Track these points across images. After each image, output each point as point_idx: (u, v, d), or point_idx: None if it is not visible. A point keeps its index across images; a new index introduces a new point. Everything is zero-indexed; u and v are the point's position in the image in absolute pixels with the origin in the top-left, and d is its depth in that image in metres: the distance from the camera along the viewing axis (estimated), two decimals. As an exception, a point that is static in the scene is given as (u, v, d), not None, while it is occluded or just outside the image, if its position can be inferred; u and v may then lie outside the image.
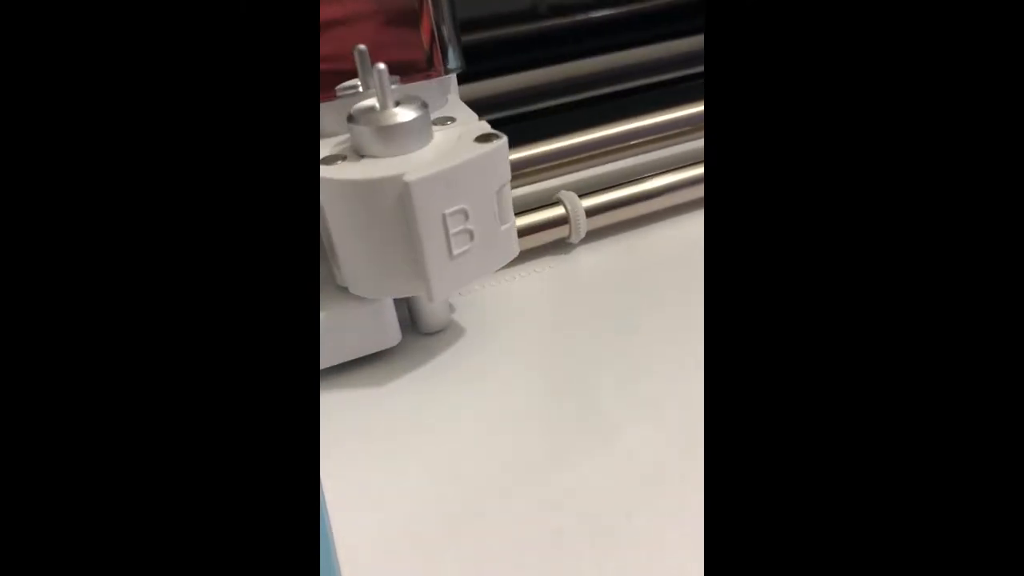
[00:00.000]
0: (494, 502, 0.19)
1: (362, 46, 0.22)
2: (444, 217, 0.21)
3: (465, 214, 0.21)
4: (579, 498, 0.19)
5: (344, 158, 0.22)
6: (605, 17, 0.39)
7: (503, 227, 0.23)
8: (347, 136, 0.23)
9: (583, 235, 0.31)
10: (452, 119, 0.23)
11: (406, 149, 0.21)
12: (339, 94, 0.23)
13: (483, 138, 0.22)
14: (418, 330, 0.26)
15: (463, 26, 0.28)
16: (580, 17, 0.38)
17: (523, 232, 0.29)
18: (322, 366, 0.24)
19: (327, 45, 0.22)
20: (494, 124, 0.23)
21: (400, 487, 0.20)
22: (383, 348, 0.25)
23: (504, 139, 0.22)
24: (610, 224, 0.32)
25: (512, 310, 0.27)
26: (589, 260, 0.30)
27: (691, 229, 0.32)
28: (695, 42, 0.41)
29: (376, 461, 0.21)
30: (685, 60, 0.42)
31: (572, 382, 0.24)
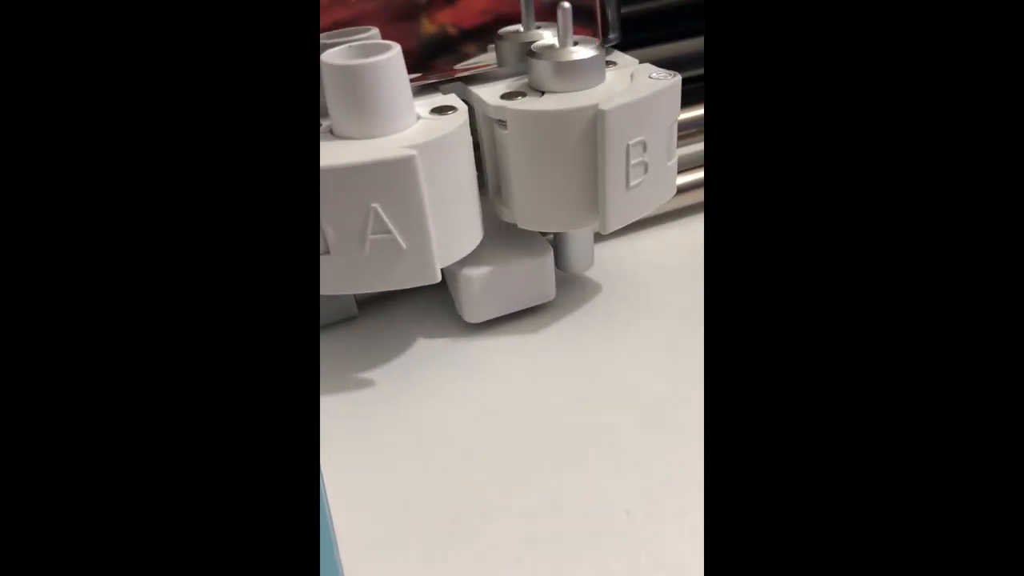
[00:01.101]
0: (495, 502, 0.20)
1: None
2: (628, 148, 0.22)
3: (644, 146, 0.22)
4: (582, 497, 0.19)
5: (523, 94, 0.22)
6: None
7: (670, 163, 0.24)
8: (514, 79, 0.24)
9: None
10: (614, 63, 0.24)
11: (585, 85, 0.22)
12: (503, 37, 0.24)
13: (657, 75, 0.23)
14: (564, 269, 0.27)
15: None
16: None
17: None
18: (487, 317, 0.25)
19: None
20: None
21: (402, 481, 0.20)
22: (541, 302, 0.26)
23: (679, 76, 0.23)
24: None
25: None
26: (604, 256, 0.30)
27: (695, 231, 0.31)
28: (696, 44, 0.41)
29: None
30: (686, 62, 0.41)
31: (564, 382, 0.24)
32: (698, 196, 0.32)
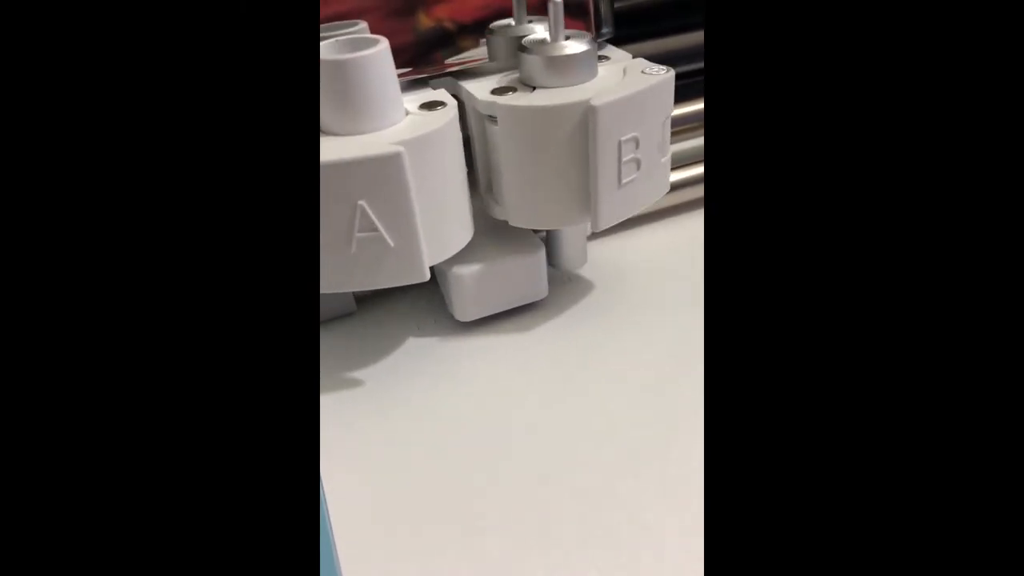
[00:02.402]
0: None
1: None
2: (620, 144, 0.22)
3: (636, 142, 0.22)
4: (580, 495, 0.19)
5: (514, 89, 0.22)
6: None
7: (663, 159, 0.24)
8: (505, 75, 0.23)
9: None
10: (607, 57, 0.24)
11: (577, 80, 0.22)
12: (494, 31, 0.23)
13: (647, 70, 0.22)
14: (557, 267, 0.27)
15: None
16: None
17: None
18: (478, 316, 0.25)
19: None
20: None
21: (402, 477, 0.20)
22: (535, 300, 0.26)
23: (672, 72, 0.23)
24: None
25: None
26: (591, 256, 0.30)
27: (695, 228, 0.31)
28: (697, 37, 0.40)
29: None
30: (683, 56, 0.41)
31: (562, 383, 0.24)
32: (692, 193, 0.32)
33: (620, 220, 0.24)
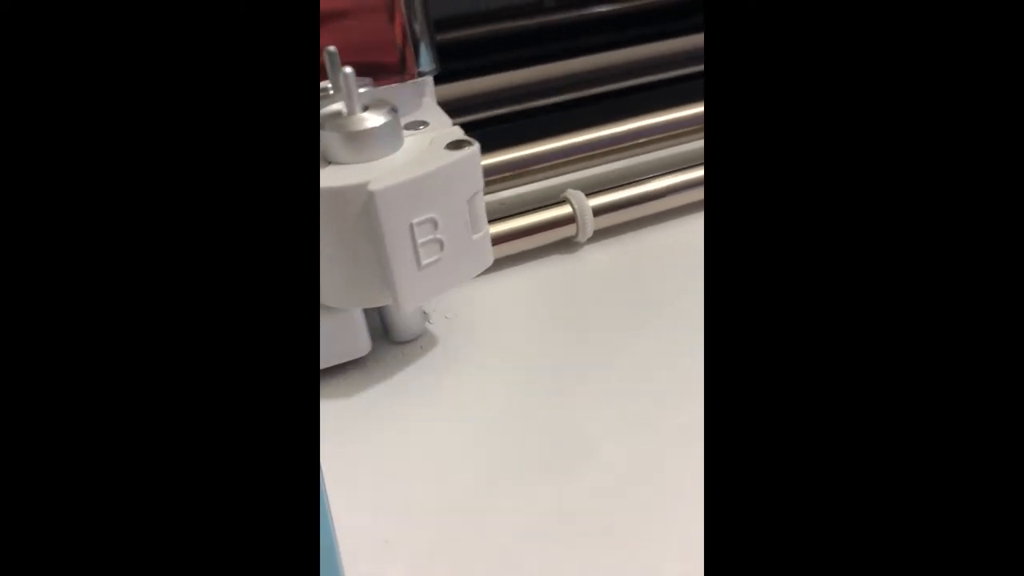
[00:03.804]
0: (482, 506, 0.19)
1: (332, 47, 0.21)
2: (412, 227, 0.20)
3: (434, 223, 0.21)
4: (570, 500, 0.19)
5: (311, 164, 0.21)
6: (609, 13, 0.38)
7: (475, 236, 0.22)
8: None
9: (590, 234, 0.30)
10: (425, 123, 0.23)
11: (374, 156, 0.21)
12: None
13: (455, 144, 0.21)
14: (390, 339, 0.26)
15: (467, 21, 0.27)
16: (584, 12, 0.37)
17: (530, 231, 0.29)
18: None
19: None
20: (493, 121, 0.22)
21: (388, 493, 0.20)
22: (353, 358, 0.24)
23: (476, 146, 0.21)
24: (617, 223, 0.31)
25: (514, 309, 0.27)
26: (596, 258, 0.30)
27: (698, 229, 0.31)
28: (700, 40, 0.40)
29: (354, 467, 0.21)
30: (692, 57, 0.41)
31: (563, 383, 0.23)
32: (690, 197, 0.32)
33: (430, 297, 0.22)
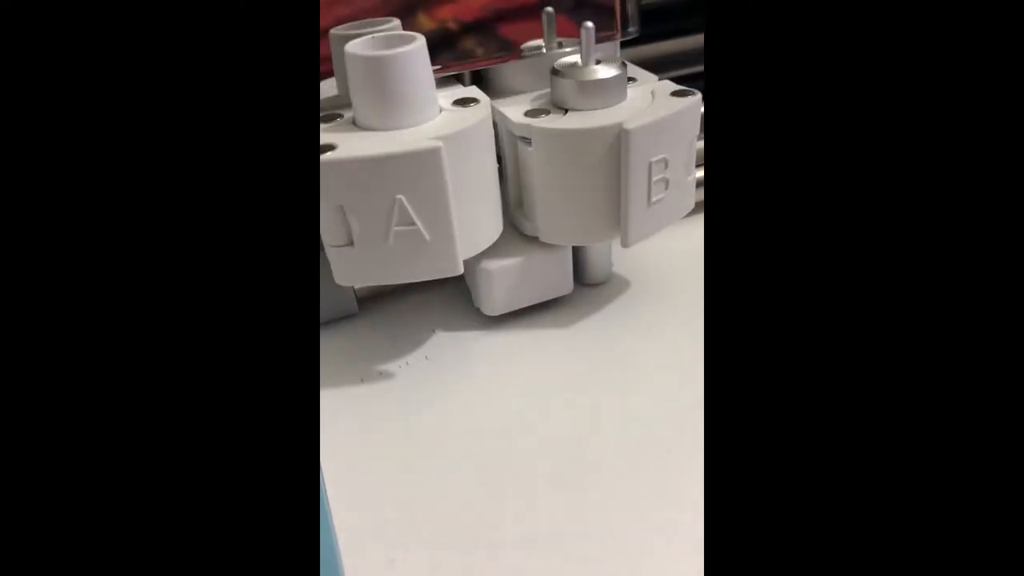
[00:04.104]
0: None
1: (549, 9, 0.23)
2: (650, 165, 0.22)
3: (665, 163, 0.23)
4: (577, 492, 0.19)
5: (547, 112, 0.23)
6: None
7: (689, 178, 0.24)
8: (539, 93, 0.24)
9: None
10: (634, 79, 0.25)
11: (608, 103, 0.23)
12: (524, 54, 0.25)
13: (678, 93, 0.23)
14: (583, 281, 0.27)
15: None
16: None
17: None
18: (506, 310, 0.25)
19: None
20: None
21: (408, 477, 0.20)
22: (559, 295, 0.26)
23: (699, 94, 0.23)
24: None
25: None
26: None
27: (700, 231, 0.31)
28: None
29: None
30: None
31: (561, 382, 0.24)
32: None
33: (649, 236, 0.24)
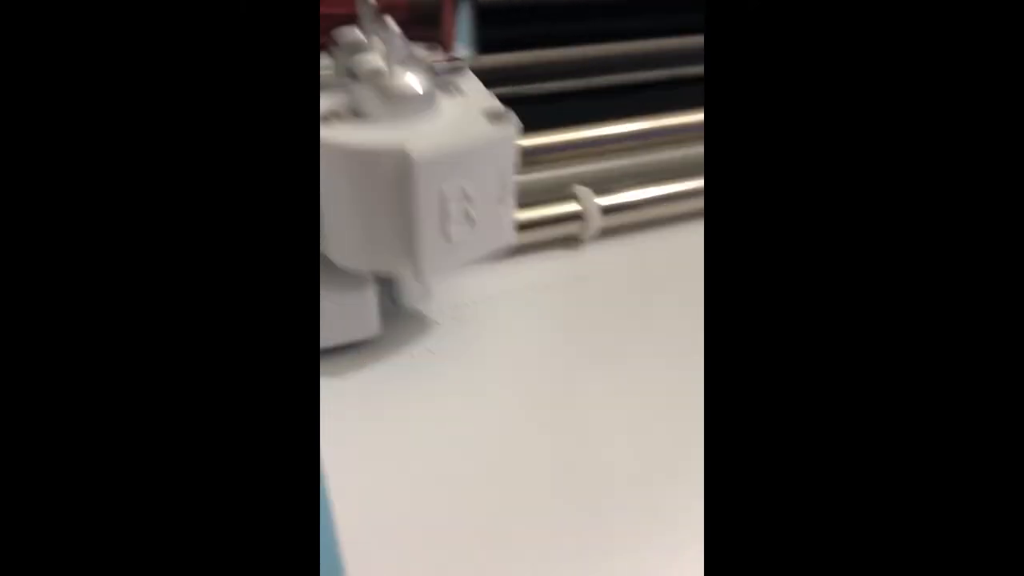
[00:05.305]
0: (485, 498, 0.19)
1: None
2: (443, 196, 0.20)
3: (465, 195, 0.20)
4: (577, 492, 0.19)
5: (338, 116, 0.20)
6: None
7: (502, 212, 0.22)
8: (340, 93, 0.21)
9: (595, 233, 0.29)
10: (459, 89, 0.22)
11: (410, 116, 0.20)
12: (338, 43, 0.21)
13: (492, 115, 0.20)
14: (393, 302, 0.25)
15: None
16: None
17: (533, 225, 0.28)
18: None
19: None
20: (508, 99, 0.21)
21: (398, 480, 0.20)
22: (363, 337, 0.23)
23: (514, 121, 0.20)
24: (623, 224, 0.30)
25: (516, 302, 0.26)
26: (597, 258, 0.29)
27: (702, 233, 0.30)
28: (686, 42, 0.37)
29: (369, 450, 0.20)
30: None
31: (561, 382, 0.23)
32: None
33: (451, 270, 0.22)
